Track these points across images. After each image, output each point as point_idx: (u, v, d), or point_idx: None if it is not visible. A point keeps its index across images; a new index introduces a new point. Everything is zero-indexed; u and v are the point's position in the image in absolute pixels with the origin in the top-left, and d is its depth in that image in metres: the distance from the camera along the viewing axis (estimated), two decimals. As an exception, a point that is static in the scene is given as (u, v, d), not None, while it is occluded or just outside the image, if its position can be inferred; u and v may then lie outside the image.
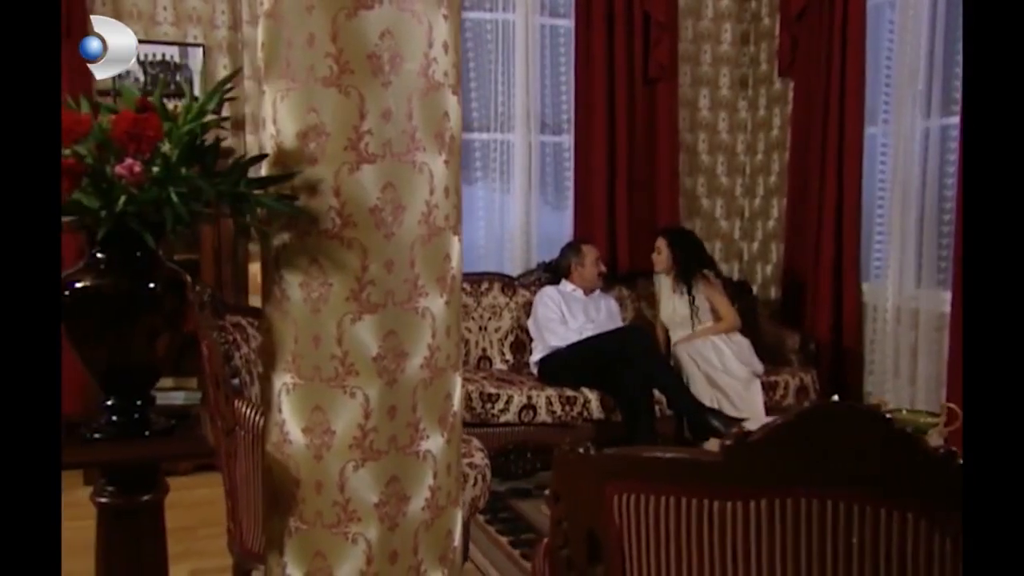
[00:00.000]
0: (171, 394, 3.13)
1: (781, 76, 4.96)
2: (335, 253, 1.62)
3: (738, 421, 3.59)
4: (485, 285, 4.52)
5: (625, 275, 4.75)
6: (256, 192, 1.60)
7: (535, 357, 4.24)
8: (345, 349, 1.63)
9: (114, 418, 1.62)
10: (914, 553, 1.06)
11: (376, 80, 1.60)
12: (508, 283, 4.56)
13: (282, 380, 1.69)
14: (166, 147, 1.54)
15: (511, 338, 4.49)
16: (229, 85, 1.65)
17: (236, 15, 4.45)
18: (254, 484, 2.44)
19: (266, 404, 1.75)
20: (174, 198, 1.47)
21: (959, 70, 3.81)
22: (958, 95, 3.81)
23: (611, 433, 3.87)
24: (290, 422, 1.68)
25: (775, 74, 5.03)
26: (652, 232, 4.73)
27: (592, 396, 3.94)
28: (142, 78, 4.29)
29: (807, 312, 4.58)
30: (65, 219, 1.52)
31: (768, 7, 5.10)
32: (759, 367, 4.18)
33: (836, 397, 2.99)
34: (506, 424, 3.87)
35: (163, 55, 4.35)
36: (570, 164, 4.95)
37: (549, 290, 4.35)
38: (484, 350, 4.47)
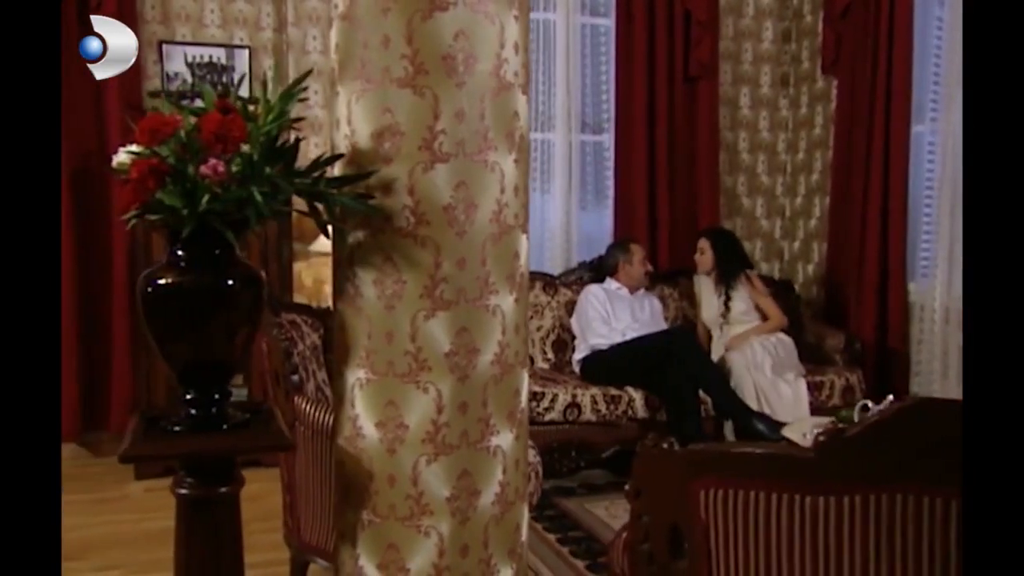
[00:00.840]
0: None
1: (824, 74, 4.92)
2: (409, 251, 1.65)
3: (783, 426, 3.56)
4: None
5: (666, 274, 4.74)
6: (333, 191, 1.63)
7: (578, 355, 4.24)
8: (418, 345, 1.66)
9: (193, 411, 1.66)
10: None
11: (450, 81, 1.62)
12: (549, 282, 4.56)
13: (355, 375, 1.72)
14: (245, 147, 1.58)
15: (552, 337, 4.49)
16: (303, 86, 1.69)
17: (281, 17, 4.52)
18: (313, 479, 2.48)
19: (338, 399, 1.78)
20: (257, 197, 1.51)
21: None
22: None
23: (655, 432, 3.86)
24: (363, 417, 1.71)
25: (817, 72, 4.99)
26: (693, 231, 4.73)
27: (636, 395, 3.93)
28: (190, 79, 4.37)
29: (851, 312, 4.54)
30: (150, 217, 1.57)
31: (810, 4, 5.07)
32: (801, 368, 4.15)
33: (891, 397, 2.96)
34: (551, 422, 3.87)
35: (210, 56, 4.43)
36: (610, 163, 4.95)
37: (594, 288, 4.34)
38: (526, 349, 4.48)
